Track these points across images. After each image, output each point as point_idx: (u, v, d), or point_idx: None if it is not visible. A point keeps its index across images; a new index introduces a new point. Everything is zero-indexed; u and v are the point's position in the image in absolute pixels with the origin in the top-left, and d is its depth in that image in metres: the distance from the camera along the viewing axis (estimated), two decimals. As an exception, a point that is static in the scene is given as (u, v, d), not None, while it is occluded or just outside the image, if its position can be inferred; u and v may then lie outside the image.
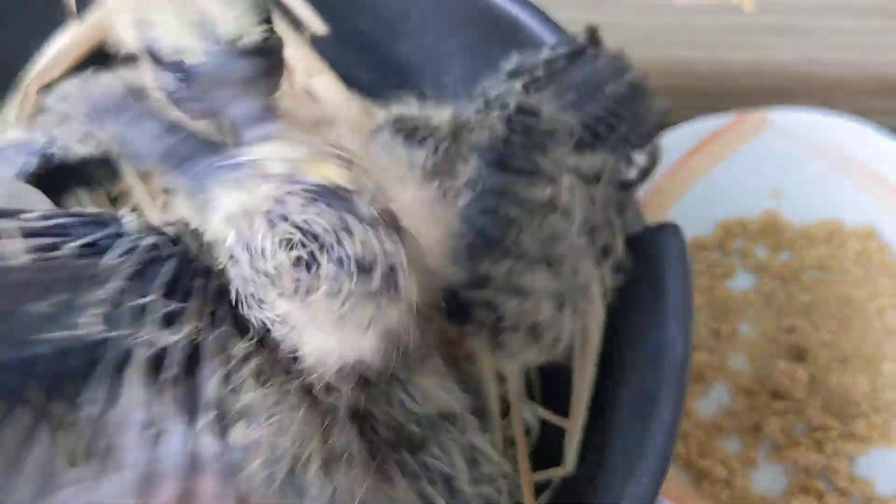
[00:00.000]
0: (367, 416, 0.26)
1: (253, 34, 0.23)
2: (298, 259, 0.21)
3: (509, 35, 0.40)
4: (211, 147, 0.24)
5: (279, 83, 0.25)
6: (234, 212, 0.21)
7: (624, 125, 0.33)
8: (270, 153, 0.22)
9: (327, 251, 0.21)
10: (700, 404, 0.52)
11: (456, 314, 0.28)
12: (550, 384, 0.39)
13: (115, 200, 0.50)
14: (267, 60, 0.24)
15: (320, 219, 0.21)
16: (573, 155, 0.31)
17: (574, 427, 0.37)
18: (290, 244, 0.21)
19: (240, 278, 0.22)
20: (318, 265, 0.21)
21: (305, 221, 0.21)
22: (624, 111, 0.33)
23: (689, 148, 0.58)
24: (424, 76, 0.46)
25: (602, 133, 0.32)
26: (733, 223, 0.58)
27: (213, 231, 0.22)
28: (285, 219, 0.21)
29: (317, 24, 0.46)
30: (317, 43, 0.48)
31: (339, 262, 0.21)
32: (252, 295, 0.22)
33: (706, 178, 0.58)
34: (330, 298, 0.21)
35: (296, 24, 0.46)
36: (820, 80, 0.64)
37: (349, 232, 0.21)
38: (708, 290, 0.55)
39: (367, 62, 0.48)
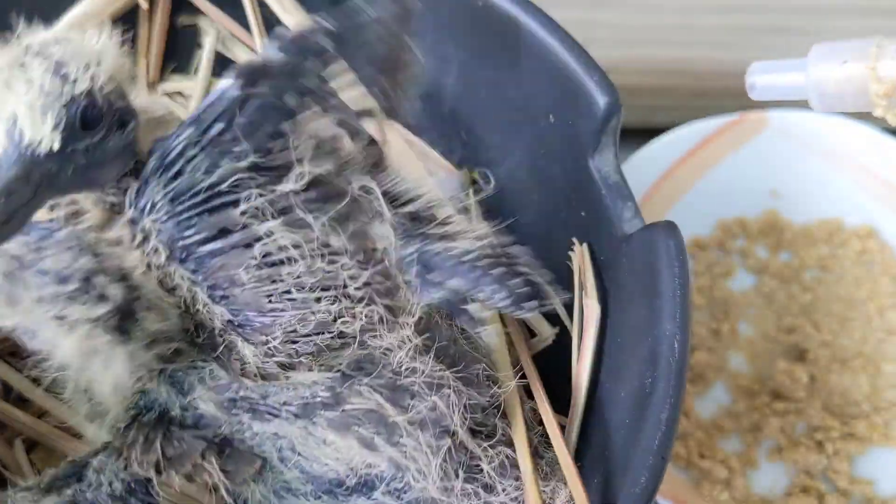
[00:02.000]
0: None
1: (49, 140, 0.27)
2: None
3: (510, 36, 0.40)
4: None
5: (69, 186, 0.30)
6: None
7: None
8: None
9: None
10: (700, 404, 0.52)
11: None
12: (551, 383, 0.39)
13: None
14: (58, 163, 0.28)
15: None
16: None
17: (572, 423, 0.37)
18: None
19: None
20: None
21: None
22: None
23: (690, 148, 0.58)
24: (425, 76, 0.46)
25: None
26: (733, 223, 0.58)
27: None
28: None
29: (299, 15, 0.46)
30: None
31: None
32: None
33: (706, 178, 0.58)
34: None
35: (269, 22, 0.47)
36: (820, 80, 0.64)
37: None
38: (708, 290, 0.55)
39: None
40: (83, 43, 0.30)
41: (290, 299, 0.31)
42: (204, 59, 0.46)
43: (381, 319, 0.32)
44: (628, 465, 0.31)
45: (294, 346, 0.31)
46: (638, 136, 0.58)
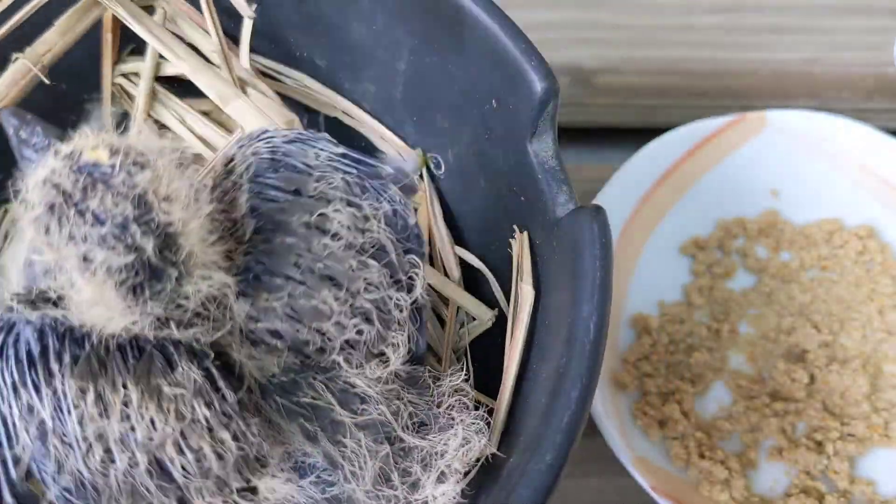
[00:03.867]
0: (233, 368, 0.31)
1: None
2: (51, 207, 0.27)
3: (456, 21, 0.40)
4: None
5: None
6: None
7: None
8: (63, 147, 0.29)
9: (75, 204, 0.27)
10: (700, 404, 0.52)
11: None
12: (491, 368, 0.39)
13: None
14: None
15: (75, 182, 0.27)
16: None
17: (500, 406, 0.37)
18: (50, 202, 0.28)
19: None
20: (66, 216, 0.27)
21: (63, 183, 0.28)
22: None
23: (690, 148, 0.58)
24: (377, 61, 0.46)
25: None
26: (733, 223, 0.58)
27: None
28: (55, 185, 0.28)
29: (243, 6, 0.46)
30: (275, 29, 0.48)
31: (81, 213, 0.27)
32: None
33: (706, 178, 0.58)
34: (73, 241, 0.27)
35: (228, 12, 0.47)
36: (820, 80, 0.64)
37: (94, 191, 0.27)
38: (708, 289, 0.55)
39: (322, 46, 0.48)
40: None
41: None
42: (149, 38, 0.46)
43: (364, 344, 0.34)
44: (539, 444, 0.31)
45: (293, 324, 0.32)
46: (638, 136, 0.58)
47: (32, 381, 0.29)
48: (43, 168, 0.28)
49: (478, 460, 0.34)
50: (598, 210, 0.35)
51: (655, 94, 0.63)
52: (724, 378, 0.52)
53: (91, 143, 0.28)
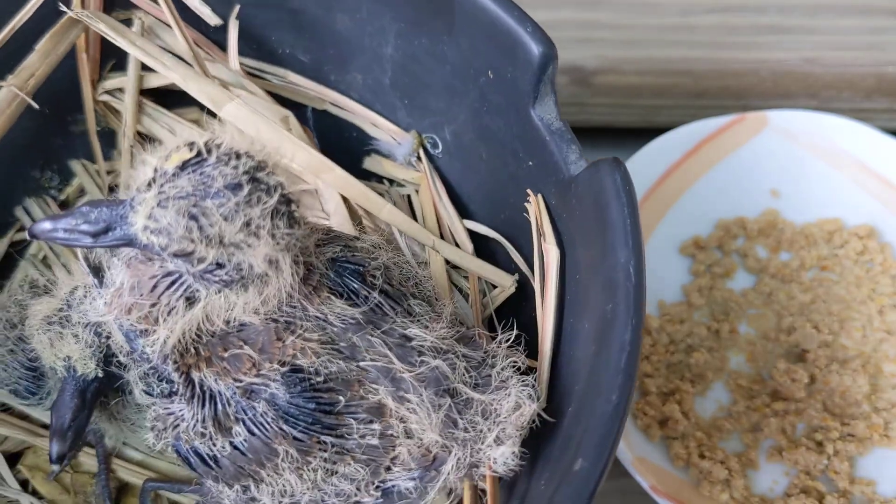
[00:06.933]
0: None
1: (94, 372, 0.40)
2: (191, 216, 0.29)
3: (443, 1, 0.41)
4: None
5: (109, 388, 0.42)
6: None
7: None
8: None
9: (197, 203, 0.29)
10: (700, 404, 0.52)
11: None
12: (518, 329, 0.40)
13: (64, 204, 0.52)
14: (101, 382, 0.40)
15: (186, 184, 0.30)
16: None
17: (542, 363, 0.38)
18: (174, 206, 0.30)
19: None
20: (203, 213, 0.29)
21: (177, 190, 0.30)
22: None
23: (690, 148, 0.58)
24: (364, 49, 0.47)
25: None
26: (733, 223, 0.58)
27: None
28: (171, 201, 0.30)
29: (209, 15, 0.46)
30: (258, 30, 0.48)
31: (214, 195, 0.29)
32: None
33: (706, 178, 0.58)
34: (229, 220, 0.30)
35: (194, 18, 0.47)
36: (820, 80, 0.64)
37: (211, 181, 0.30)
38: (708, 289, 0.55)
39: (305, 42, 0.48)
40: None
41: None
42: (135, 51, 0.45)
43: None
44: (599, 388, 0.32)
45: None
46: (638, 136, 0.58)
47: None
48: (145, 206, 0.30)
49: (531, 422, 0.35)
50: (617, 161, 0.35)
51: (655, 94, 0.63)
52: (724, 378, 0.52)
53: (162, 154, 0.30)
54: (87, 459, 0.46)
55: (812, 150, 0.58)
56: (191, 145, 0.30)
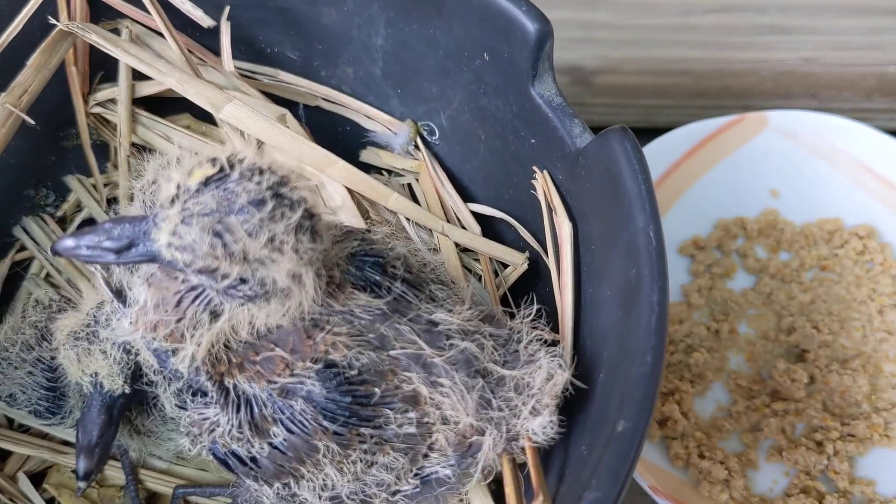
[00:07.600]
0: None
1: (121, 389, 0.40)
2: (216, 233, 0.29)
3: None
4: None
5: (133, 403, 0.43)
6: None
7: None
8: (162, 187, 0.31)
9: (225, 213, 0.29)
10: (700, 404, 0.52)
11: None
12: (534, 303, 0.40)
13: (62, 221, 0.52)
14: (127, 398, 0.41)
15: (210, 200, 0.30)
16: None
17: (564, 333, 0.38)
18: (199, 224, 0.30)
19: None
20: (228, 230, 0.29)
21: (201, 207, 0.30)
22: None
23: (690, 148, 0.58)
24: (352, 42, 0.46)
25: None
26: (733, 223, 0.58)
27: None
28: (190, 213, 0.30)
29: (201, 18, 0.46)
30: (245, 31, 0.48)
31: (238, 211, 0.30)
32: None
33: (706, 178, 0.58)
34: (253, 238, 0.30)
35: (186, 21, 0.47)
36: (820, 80, 0.64)
37: (235, 197, 0.30)
38: (708, 290, 0.55)
39: (293, 39, 0.48)
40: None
41: None
42: (129, 59, 0.45)
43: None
44: (630, 352, 0.32)
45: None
46: (638, 136, 0.58)
47: None
48: (168, 223, 0.30)
49: (564, 391, 0.35)
50: (625, 130, 0.35)
51: (655, 94, 0.63)
52: (723, 378, 0.52)
53: (185, 170, 0.30)
54: (113, 473, 0.46)
55: (812, 150, 0.58)
56: (213, 161, 0.30)
